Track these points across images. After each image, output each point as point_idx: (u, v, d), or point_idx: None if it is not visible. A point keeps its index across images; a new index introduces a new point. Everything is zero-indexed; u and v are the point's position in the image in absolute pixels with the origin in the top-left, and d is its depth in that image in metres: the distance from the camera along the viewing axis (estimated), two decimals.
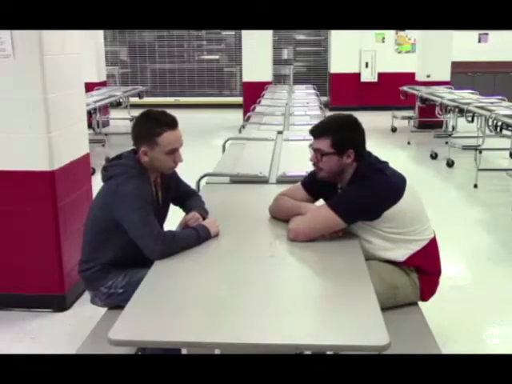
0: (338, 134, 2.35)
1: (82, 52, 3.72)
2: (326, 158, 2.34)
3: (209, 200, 2.69)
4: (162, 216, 2.52)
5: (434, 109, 8.11)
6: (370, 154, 2.46)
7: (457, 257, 4.27)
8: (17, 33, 3.06)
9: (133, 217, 2.24)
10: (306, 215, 2.37)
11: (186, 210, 2.61)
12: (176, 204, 2.70)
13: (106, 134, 8.19)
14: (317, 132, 2.40)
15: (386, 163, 2.45)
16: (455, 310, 3.43)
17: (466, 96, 8.08)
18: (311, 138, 2.44)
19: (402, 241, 2.39)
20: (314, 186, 2.53)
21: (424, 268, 2.43)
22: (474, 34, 12.21)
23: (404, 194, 2.34)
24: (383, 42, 12.34)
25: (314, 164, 2.43)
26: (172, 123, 2.36)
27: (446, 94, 8.22)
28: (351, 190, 2.35)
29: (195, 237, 2.28)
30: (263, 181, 3.26)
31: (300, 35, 13.38)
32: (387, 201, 2.31)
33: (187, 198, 2.68)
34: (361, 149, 2.39)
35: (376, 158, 2.45)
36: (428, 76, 9.88)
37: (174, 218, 2.62)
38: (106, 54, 11.36)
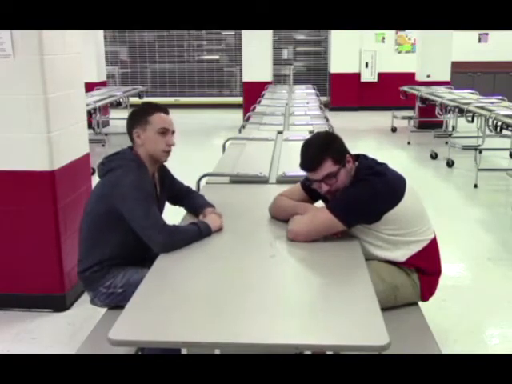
0: (332, 150, 2.33)
1: (81, 52, 3.72)
2: (338, 176, 2.32)
3: (209, 200, 2.69)
4: (159, 210, 2.53)
5: (434, 109, 8.11)
6: (366, 156, 2.46)
7: (457, 257, 4.27)
8: (17, 33, 3.06)
9: (136, 208, 2.24)
10: (305, 216, 2.36)
11: (193, 209, 2.61)
12: (175, 203, 2.71)
13: (105, 134, 8.19)
14: (315, 162, 2.33)
15: (385, 165, 2.44)
16: (455, 309, 3.43)
17: (466, 96, 8.09)
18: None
19: (403, 242, 2.38)
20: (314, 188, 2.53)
21: (424, 268, 2.43)
22: (473, 34, 12.22)
23: (404, 196, 2.33)
24: (383, 41, 12.35)
25: (328, 192, 2.37)
26: (162, 108, 2.46)
27: (446, 94, 8.22)
28: (351, 193, 2.34)
29: (197, 232, 2.29)
30: (263, 181, 3.26)
31: (300, 35, 13.39)
32: (387, 203, 2.31)
33: (187, 196, 2.69)
34: (349, 151, 2.40)
35: (374, 161, 2.45)
36: (428, 76, 9.88)
37: (174, 217, 2.62)
38: (106, 54, 11.37)
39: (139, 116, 2.43)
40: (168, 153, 2.46)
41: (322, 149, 2.34)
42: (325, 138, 2.45)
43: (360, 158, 2.44)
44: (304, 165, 2.38)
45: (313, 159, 2.34)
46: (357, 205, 2.30)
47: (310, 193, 2.54)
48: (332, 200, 2.38)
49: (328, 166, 2.31)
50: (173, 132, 2.46)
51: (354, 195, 2.32)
